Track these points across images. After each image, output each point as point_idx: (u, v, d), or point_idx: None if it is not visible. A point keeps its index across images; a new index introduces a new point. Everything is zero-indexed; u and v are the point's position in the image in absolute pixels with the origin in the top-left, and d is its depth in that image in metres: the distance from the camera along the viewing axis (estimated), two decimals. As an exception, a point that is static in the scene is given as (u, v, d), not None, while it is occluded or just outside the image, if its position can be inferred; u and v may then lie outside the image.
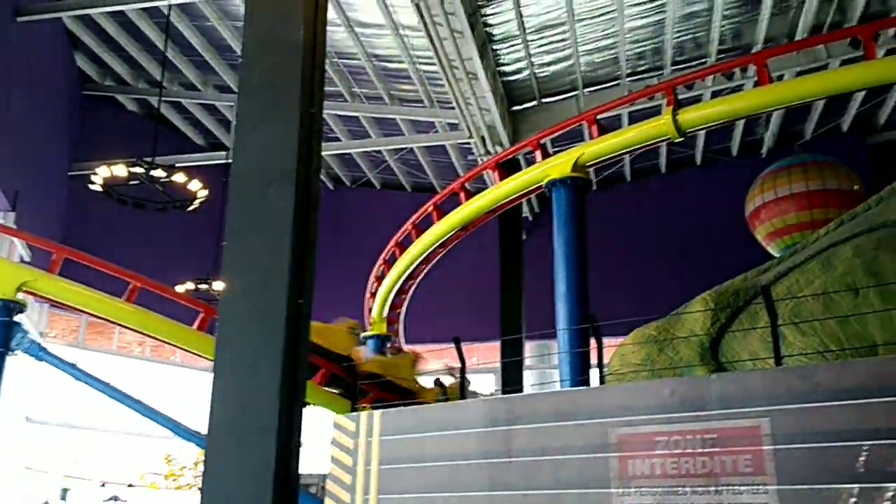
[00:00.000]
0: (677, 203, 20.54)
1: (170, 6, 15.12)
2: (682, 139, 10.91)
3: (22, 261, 16.46)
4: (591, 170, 12.33)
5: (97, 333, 22.44)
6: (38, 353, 10.30)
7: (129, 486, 19.47)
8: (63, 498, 19.42)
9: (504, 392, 14.78)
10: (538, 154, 11.95)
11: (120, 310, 10.28)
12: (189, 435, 10.58)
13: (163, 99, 17.81)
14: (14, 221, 17.62)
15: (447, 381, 10.71)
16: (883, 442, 4.40)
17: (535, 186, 12.02)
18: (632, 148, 11.26)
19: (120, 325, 10.63)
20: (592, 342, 6.65)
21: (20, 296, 10.18)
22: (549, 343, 19.41)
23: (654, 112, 12.90)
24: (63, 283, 10.19)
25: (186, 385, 23.45)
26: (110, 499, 18.19)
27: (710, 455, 4.89)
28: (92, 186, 13.98)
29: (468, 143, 18.26)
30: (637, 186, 21.41)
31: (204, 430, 5.44)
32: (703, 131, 14.08)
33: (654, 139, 11.01)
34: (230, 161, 6.07)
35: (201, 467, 18.19)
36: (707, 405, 4.97)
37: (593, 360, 7.20)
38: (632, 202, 21.05)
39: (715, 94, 15.03)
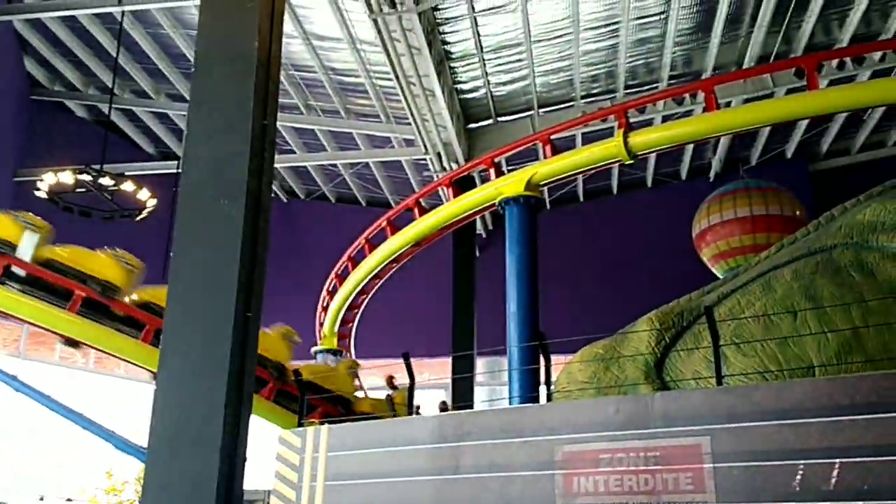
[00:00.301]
0: (627, 224, 20.89)
1: (123, 13, 14.91)
2: (632, 161, 11.13)
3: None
4: (545, 189, 12.49)
5: (39, 343, 21.79)
6: (-25, 363, 9.94)
7: (69, 500, 18.89)
8: (-4, 514, 18.76)
9: (455, 408, 14.78)
10: (492, 172, 12.08)
11: (62, 320, 10.00)
12: (131, 449, 10.34)
13: (114, 106, 17.51)
14: (-46, 227, 17.09)
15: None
16: (818, 461, 4.53)
17: (488, 204, 12.13)
18: (584, 168, 11.45)
19: (62, 335, 10.31)
20: (542, 359, 6.71)
21: (-43, 304, 9.83)
22: (501, 360, 19.49)
23: (608, 134, 13.14)
24: (3, 290, 9.87)
25: (130, 398, 22.93)
26: (45, 514, 17.62)
27: (652, 473, 4.97)
28: (38, 193, 13.64)
29: (424, 160, 18.33)
30: (589, 207, 21.73)
31: (146, 443, 5.34)
32: (654, 154, 14.38)
33: (606, 160, 11.21)
34: (181, 171, 6.01)
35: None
36: (650, 423, 5.06)
37: (542, 377, 7.27)
38: (584, 222, 21.35)
39: (665, 119, 15.38)
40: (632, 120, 11.32)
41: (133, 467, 18.47)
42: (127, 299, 10.79)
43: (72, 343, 10.29)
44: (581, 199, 21.69)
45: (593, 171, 11.94)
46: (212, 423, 5.14)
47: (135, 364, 10.87)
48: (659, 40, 15.22)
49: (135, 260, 11.07)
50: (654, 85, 16.35)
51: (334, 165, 21.18)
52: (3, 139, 18.55)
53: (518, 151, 12.82)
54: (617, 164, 11.73)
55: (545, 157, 11.61)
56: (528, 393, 9.76)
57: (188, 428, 5.16)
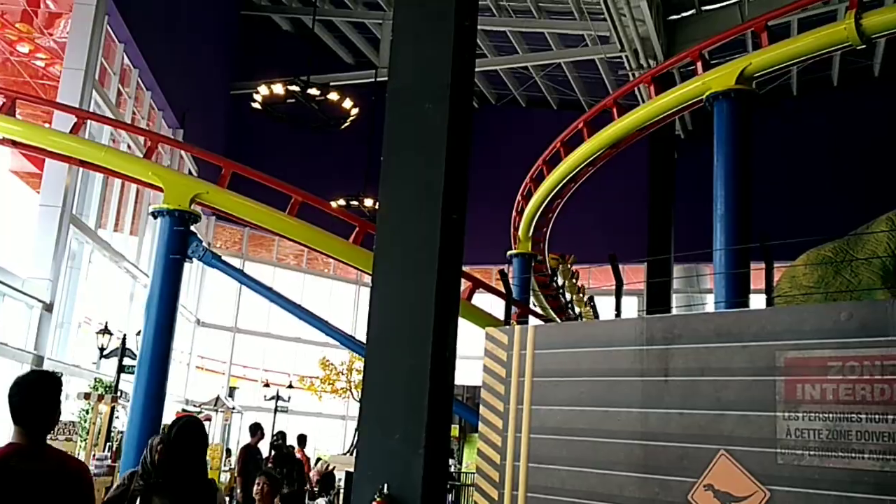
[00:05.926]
0: (852, 119, 18.92)
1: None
2: (863, 46, 9.93)
3: (191, 174, 17.60)
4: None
5: (258, 246, 23.91)
6: (212, 260, 10.99)
7: (290, 386, 20.94)
8: (231, 395, 21.24)
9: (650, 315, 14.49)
10: (699, 65, 11.27)
11: (284, 223, 10.75)
12: (346, 341, 11.10)
13: (316, 18, 18.18)
14: (182, 138, 18.84)
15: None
16: None
17: (693, 101, 11.38)
18: (805, 57, 10.36)
19: (284, 237, 11.14)
20: (754, 264, 6.31)
21: (194, 207, 10.85)
22: (700, 266, 18.76)
23: (827, 19, 11.78)
24: (232, 195, 10.77)
25: (338, 296, 24.71)
26: (272, 398, 19.65)
27: (890, 382, 4.57)
28: (254, 105, 14.60)
29: (619, 58, 17.54)
30: (805, 101, 19.88)
31: (358, 336, 5.65)
32: (884, 38, 12.73)
33: (832, 46, 10.07)
34: (379, 80, 6.11)
35: (354, 374, 19.14)
36: (890, 330, 4.62)
37: (754, 282, 6.85)
38: (799, 118, 19.61)
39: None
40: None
41: (343, 358, 20.05)
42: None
43: None
44: (794, 92, 19.86)
45: (814, 60, 10.79)
46: (423, 319, 5.35)
47: (346, 263, 11.58)
48: None
49: None
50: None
51: (525, 68, 20.83)
52: (218, 56, 19.96)
53: (722, 45, 11.86)
54: (841, 52, 10.53)
55: (761, 46, 10.62)
56: (737, 299, 9.29)
57: (402, 323, 5.40)
